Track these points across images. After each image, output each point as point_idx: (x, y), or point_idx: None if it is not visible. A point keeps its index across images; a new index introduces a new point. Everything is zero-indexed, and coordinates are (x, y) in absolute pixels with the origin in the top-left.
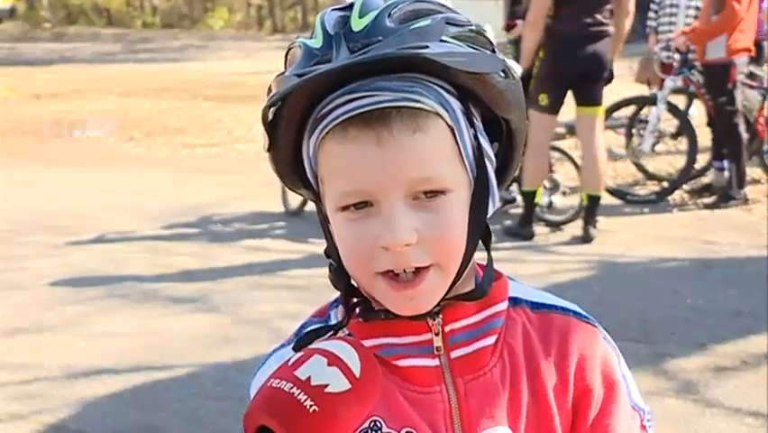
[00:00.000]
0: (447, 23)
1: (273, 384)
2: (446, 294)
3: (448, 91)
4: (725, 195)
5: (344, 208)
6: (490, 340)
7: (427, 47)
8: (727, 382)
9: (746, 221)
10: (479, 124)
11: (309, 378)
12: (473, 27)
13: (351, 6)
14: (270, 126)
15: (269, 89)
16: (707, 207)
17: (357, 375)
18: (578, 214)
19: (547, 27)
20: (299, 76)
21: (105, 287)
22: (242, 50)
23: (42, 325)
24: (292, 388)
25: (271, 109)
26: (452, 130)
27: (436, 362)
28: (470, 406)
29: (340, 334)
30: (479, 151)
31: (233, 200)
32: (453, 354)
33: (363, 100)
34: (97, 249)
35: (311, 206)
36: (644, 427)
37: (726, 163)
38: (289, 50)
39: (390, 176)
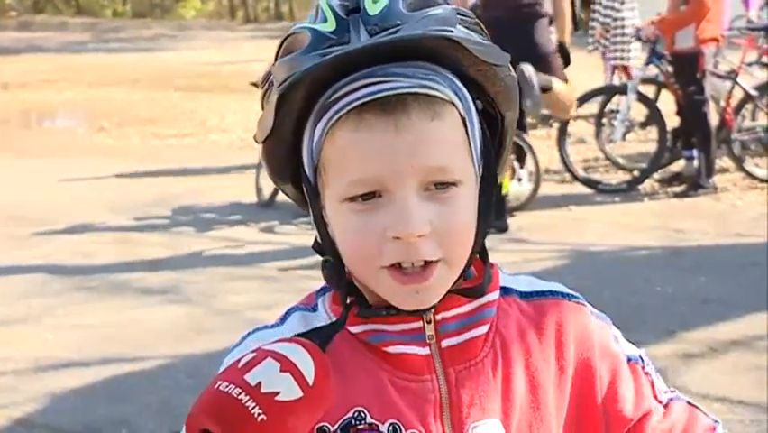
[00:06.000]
0: (458, 14)
1: (221, 387)
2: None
3: (462, 82)
4: (694, 184)
5: (351, 199)
6: (482, 330)
7: (452, 31)
8: (696, 369)
9: (715, 209)
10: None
11: (260, 384)
12: (476, 19)
13: None
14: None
15: (268, 75)
16: (676, 195)
17: (310, 383)
18: (530, 200)
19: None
20: (321, 55)
21: (73, 278)
22: (215, 40)
23: (9, 317)
24: (241, 393)
25: (277, 92)
26: (464, 121)
27: (427, 350)
28: (460, 396)
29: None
30: (484, 144)
31: (204, 191)
32: (444, 344)
33: (380, 86)
34: (66, 240)
35: (282, 196)
36: (646, 373)
37: (695, 152)
38: (287, 37)
39: (406, 163)
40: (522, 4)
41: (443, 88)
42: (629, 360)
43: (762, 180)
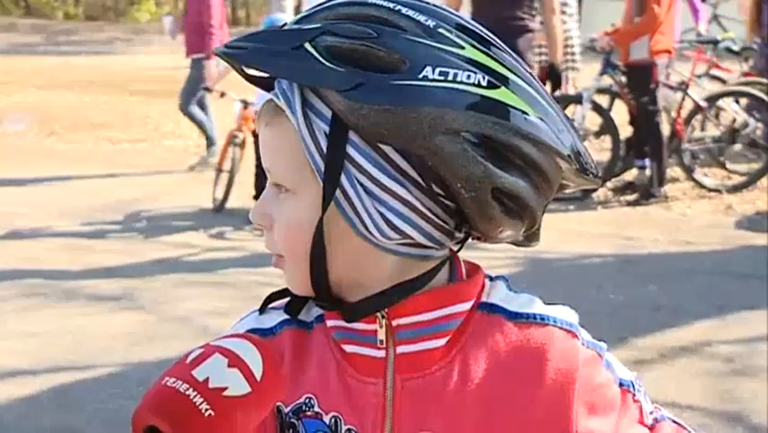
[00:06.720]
0: (329, 32)
1: (168, 383)
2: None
3: (323, 99)
4: (646, 192)
5: None
6: (438, 342)
7: (245, 48)
8: (646, 375)
9: (666, 218)
10: (362, 143)
11: (207, 379)
12: (367, 43)
13: None
14: None
15: None
16: (629, 204)
17: (258, 378)
18: None
19: None
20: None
21: (22, 285)
22: (170, 45)
23: None
24: (188, 389)
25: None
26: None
27: (381, 354)
28: (403, 406)
29: (243, 329)
30: (338, 165)
31: (158, 196)
32: (399, 350)
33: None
34: (16, 246)
35: (231, 203)
36: (636, 400)
37: (647, 162)
38: None
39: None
40: (504, 16)
41: (282, 98)
42: (621, 385)
43: (710, 190)
